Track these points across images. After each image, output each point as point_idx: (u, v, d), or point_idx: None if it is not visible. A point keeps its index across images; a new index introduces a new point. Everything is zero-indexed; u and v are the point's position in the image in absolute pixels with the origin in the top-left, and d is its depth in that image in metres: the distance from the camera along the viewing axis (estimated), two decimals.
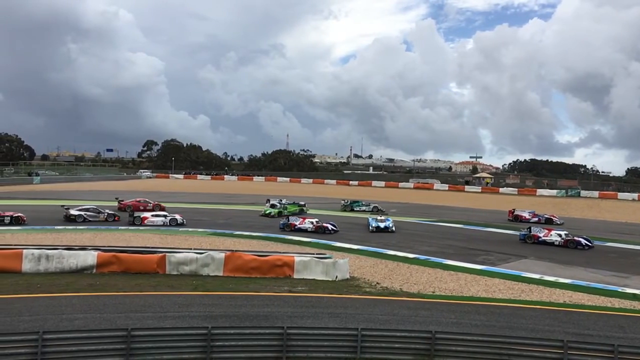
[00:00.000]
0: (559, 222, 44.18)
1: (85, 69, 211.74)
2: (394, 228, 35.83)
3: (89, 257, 20.51)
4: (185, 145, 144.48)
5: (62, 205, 38.13)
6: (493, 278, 22.44)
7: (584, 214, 57.41)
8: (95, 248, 21.95)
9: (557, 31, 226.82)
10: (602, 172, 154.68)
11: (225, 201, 54.26)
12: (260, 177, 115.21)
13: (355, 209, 49.66)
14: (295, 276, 20.86)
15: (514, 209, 48.52)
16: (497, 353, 12.32)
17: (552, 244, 31.68)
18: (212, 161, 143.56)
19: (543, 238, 32.26)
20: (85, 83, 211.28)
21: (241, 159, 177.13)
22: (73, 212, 36.36)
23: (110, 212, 37.40)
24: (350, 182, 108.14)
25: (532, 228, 33.91)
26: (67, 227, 33.02)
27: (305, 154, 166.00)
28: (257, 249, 25.49)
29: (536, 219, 45.35)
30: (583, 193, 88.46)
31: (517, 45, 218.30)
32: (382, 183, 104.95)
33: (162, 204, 44.90)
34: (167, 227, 34.34)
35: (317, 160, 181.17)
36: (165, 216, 35.72)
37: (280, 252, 23.55)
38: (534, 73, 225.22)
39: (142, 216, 35.43)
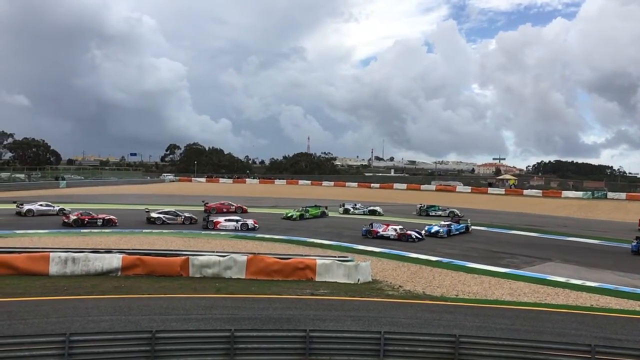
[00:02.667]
0: None
1: (110, 74, 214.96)
2: (445, 234, 34.28)
3: (114, 260, 20.80)
4: (207, 149, 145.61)
5: (145, 209, 39.44)
6: (518, 281, 22.15)
7: (611, 216, 56.36)
8: (121, 251, 22.25)
9: (582, 30, 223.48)
10: (630, 173, 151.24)
11: (247, 204, 54.47)
12: (281, 180, 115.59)
13: (430, 214, 48.88)
14: (317, 279, 20.86)
15: None
16: (522, 357, 12.10)
17: None
18: (233, 164, 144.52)
19: None
20: (109, 88, 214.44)
21: (262, 162, 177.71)
22: (153, 215, 37.59)
23: (187, 215, 38.25)
24: (372, 184, 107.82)
25: None
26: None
27: (326, 156, 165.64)
28: (279, 252, 25.58)
29: None
30: (610, 195, 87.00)
31: (541, 45, 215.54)
32: (404, 185, 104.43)
33: (245, 207, 47.14)
34: (238, 231, 34.38)
35: (338, 163, 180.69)
36: (237, 221, 35.90)
37: (302, 255, 23.62)
38: (558, 73, 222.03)
39: (215, 220, 35.86)
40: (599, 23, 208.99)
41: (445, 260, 26.38)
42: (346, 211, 48.88)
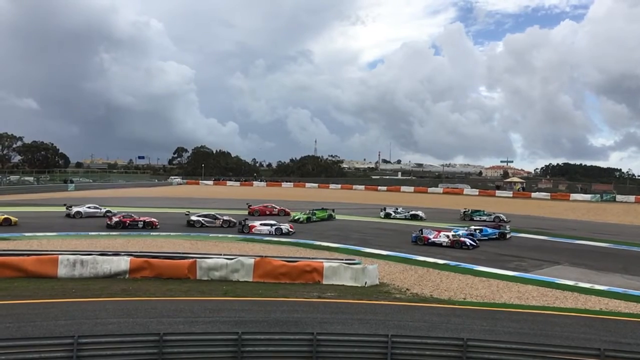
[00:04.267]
0: None
1: (118, 78, 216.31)
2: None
3: (122, 263, 20.87)
4: (214, 151, 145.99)
5: (185, 212, 40.09)
6: (526, 284, 22.02)
7: (620, 219, 55.97)
8: (128, 254, 22.31)
9: (590, 32, 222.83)
10: (638, 175, 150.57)
11: None
12: (288, 183, 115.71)
13: (474, 219, 47.81)
14: (324, 282, 20.82)
15: None
16: None
17: None
18: (241, 167, 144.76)
19: None
20: (117, 92, 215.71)
21: (270, 165, 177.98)
22: (192, 217, 38.18)
23: (226, 218, 38.57)
24: (379, 187, 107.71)
25: None
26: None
27: (333, 159, 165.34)
28: (286, 255, 25.63)
29: None
30: (618, 197, 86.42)
31: (549, 47, 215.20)
32: (411, 188, 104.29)
33: (287, 210, 47.77)
34: (272, 236, 33.94)
35: (345, 166, 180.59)
36: (272, 225, 35.53)
37: (309, 258, 23.58)
38: (566, 75, 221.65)
39: (250, 224, 35.80)
40: (607, 25, 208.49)
41: (452, 263, 26.27)
42: (387, 215, 48.42)
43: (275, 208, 48.15)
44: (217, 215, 38.83)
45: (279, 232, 34.74)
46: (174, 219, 40.68)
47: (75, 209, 42.51)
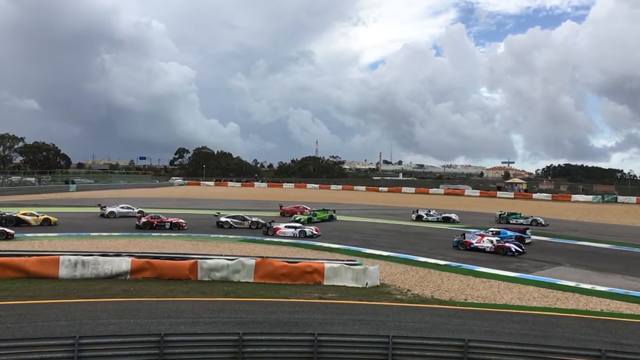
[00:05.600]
0: None
1: (119, 78, 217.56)
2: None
3: (123, 263, 20.88)
4: (215, 152, 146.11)
5: (215, 214, 40.55)
6: (527, 286, 22.01)
7: (622, 220, 55.90)
8: (130, 254, 22.32)
9: (592, 33, 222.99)
10: None
11: (255, 207, 54.65)
12: (289, 184, 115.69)
13: (510, 222, 46.91)
14: (325, 283, 20.83)
15: None
16: None
17: None
18: (242, 168, 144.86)
19: None
20: (119, 92, 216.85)
21: (271, 165, 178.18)
22: (221, 219, 38.51)
23: (254, 220, 38.56)
24: (380, 188, 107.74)
25: None
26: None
27: (334, 160, 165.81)
28: (287, 256, 25.62)
29: None
30: (620, 199, 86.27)
31: (550, 48, 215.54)
32: (412, 189, 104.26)
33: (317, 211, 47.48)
34: (297, 239, 33.29)
35: (347, 167, 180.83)
36: (296, 228, 35.14)
37: (310, 259, 23.58)
38: (568, 76, 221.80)
39: (274, 227, 35.46)
40: (609, 26, 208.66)
41: (454, 264, 26.26)
42: (419, 218, 47.89)
43: (307, 209, 48.03)
44: (246, 217, 38.92)
45: (303, 235, 34.12)
46: (199, 219, 41.19)
47: (109, 209, 43.25)
